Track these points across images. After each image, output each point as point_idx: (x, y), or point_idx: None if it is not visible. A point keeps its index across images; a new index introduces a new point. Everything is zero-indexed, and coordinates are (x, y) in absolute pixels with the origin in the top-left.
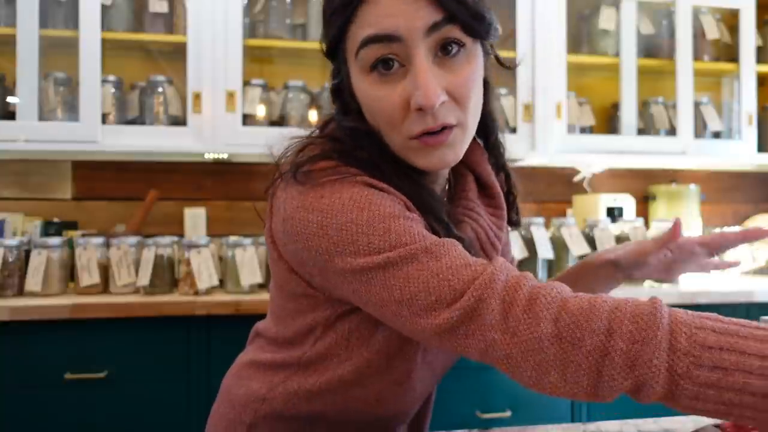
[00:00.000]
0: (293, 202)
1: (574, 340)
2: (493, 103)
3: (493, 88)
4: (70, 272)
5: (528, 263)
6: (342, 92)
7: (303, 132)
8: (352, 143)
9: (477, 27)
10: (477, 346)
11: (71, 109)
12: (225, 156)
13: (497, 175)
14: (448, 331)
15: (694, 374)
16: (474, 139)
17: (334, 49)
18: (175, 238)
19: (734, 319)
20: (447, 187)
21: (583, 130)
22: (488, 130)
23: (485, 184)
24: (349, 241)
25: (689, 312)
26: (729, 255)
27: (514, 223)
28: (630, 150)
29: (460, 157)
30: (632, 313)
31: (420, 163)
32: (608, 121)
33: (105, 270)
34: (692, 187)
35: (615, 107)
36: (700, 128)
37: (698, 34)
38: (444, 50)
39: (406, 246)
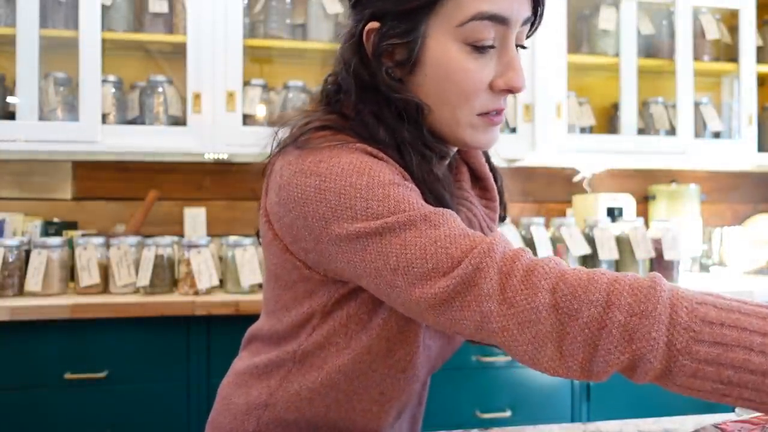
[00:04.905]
0: (291, 168)
1: (571, 311)
2: None
3: None
4: (70, 272)
5: None
6: (391, 54)
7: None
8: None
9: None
10: (473, 318)
11: (71, 109)
12: (225, 156)
13: None
14: (444, 301)
15: (693, 349)
16: None
17: (420, 6)
18: (175, 238)
19: (736, 297)
20: None
21: (583, 130)
22: None
23: (479, 176)
24: (347, 205)
25: (689, 288)
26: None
27: (500, 219)
28: (630, 150)
29: None
30: (631, 285)
31: (480, 139)
32: (608, 121)
33: (105, 270)
34: (692, 187)
35: (615, 107)
36: (700, 128)
37: (698, 34)
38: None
39: (404, 212)
